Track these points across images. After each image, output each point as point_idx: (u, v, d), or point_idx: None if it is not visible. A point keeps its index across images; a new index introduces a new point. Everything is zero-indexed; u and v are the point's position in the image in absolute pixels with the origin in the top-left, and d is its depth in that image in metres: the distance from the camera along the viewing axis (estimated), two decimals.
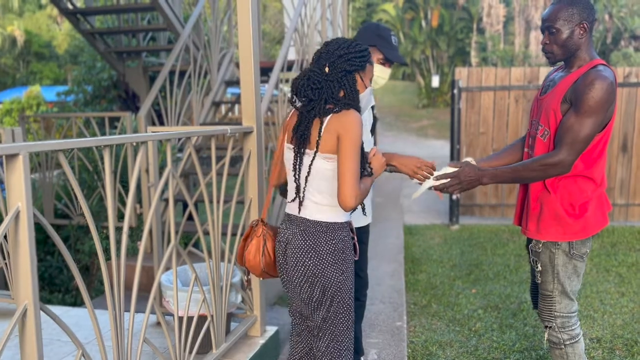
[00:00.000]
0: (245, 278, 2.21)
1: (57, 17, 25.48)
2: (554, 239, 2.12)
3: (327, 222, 1.88)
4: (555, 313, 2.18)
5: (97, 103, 8.40)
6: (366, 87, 1.93)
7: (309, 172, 1.86)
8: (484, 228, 6.03)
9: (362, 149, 1.88)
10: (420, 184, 2.17)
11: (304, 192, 1.89)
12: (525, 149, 2.30)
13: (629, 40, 23.25)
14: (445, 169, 2.17)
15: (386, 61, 2.43)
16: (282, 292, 4.14)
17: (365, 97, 1.97)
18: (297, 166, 1.88)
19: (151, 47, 6.76)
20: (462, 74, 6.33)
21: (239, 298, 2.71)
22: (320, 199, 1.87)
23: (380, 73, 2.45)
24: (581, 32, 2.04)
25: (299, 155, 1.86)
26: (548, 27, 2.07)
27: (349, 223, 1.97)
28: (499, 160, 2.38)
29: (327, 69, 1.85)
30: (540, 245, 2.17)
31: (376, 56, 2.42)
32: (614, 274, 4.41)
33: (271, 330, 2.94)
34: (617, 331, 3.34)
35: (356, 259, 2.03)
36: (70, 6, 5.92)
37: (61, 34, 25.17)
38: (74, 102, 8.81)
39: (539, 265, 2.19)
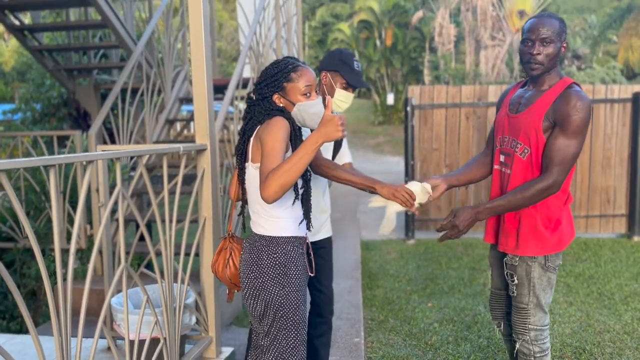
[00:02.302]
0: (227, 292, 2.23)
1: (4, 34, 24.66)
2: (534, 253, 2.16)
3: (271, 237, 1.93)
4: (530, 326, 2.21)
5: (47, 121, 8.13)
6: (294, 104, 1.94)
7: (248, 185, 1.97)
8: (439, 242, 6.14)
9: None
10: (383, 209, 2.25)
11: (248, 205, 2.02)
12: (496, 166, 2.31)
13: (572, 59, 24.41)
14: (411, 184, 2.21)
15: (349, 86, 2.47)
16: (239, 312, 4.08)
17: (309, 112, 1.94)
18: (242, 181, 2.00)
19: (103, 64, 6.63)
20: (414, 92, 6.48)
21: (193, 319, 2.66)
22: (259, 209, 1.94)
23: (343, 97, 2.48)
24: (563, 49, 2.13)
25: (240, 170, 2.00)
26: (543, 38, 2.08)
27: (298, 238, 1.97)
28: (467, 175, 2.39)
29: (254, 96, 2.00)
30: (517, 259, 2.19)
31: (339, 81, 2.47)
32: (562, 284, 4.57)
33: (227, 351, 2.89)
34: (566, 340, 3.45)
35: (311, 274, 2.03)
36: (16, 22, 5.75)
37: (8, 50, 24.34)
38: (21, 121, 8.50)
39: (515, 279, 2.21)
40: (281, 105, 1.93)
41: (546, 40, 2.08)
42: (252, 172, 1.94)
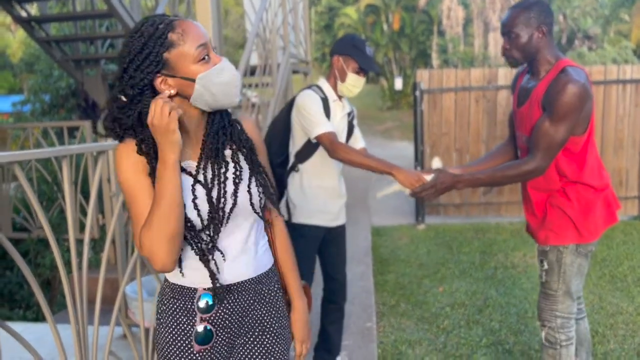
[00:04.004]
0: None
1: (11, 25, 24.73)
2: (566, 242, 2.12)
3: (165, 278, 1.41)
4: (557, 313, 2.17)
5: (56, 112, 8.19)
6: (192, 79, 1.23)
7: None
8: (449, 227, 6.13)
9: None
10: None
11: None
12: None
13: (583, 39, 24.05)
14: (428, 176, 2.21)
15: (360, 70, 2.46)
16: None
17: (217, 82, 1.25)
18: None
19: (110, 54, 6.62)
20: (423, 76, 6.43)
21: None
22: None
23: (354, 82, 2.47)
24: (540, 35, 2.05)
25: None
26: (507, 32, 2.07)
27: (179, 288, 1.33)
28: (487, 164, 2.36)
29: (123, 96, 1.25)
30: (549, 246, 2.17)
31: (351, 65, 2.45)
32: None
33: None
34: None
35: (195, 350, 1.31)
36: (24, 14, 5.75)
37: (15, 42, 24.44)
38: (30, 112, 8.55)
39: (545, 264, 2.18)
40: (173, 91, 1.24)
41: (510, 33, 2.07)
42: None
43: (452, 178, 2.14)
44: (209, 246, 1.28)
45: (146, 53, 1.21)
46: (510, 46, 2.09)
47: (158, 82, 1.24)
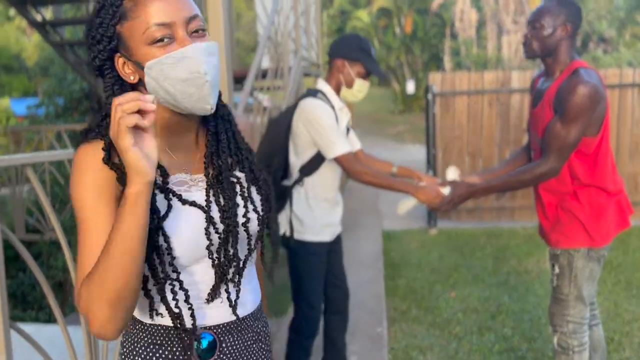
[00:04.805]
0: None
1: (26, 29, 25.06)
2: (577, 245, 2.10)
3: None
4: (568, 318, 2.14)
5: (69, 115, 8.27)
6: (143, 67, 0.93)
7: None
8: (462, 232, 6.08)
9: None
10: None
11: None
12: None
13: (598, 42, 23.82)
14: (446, 189, 2.26)
15: (366, 75, 2.39)
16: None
17: (174, 77, 0.92)
18: None
19: None
20: (435, 79, 6.39)
21: None
22: None
23: (361, 87, 2.40)
24: (563, 33, 2.06)
25: None
26: (533, 21, 2.10)
27: (153, 329, 1.00)
28: (505, 171, 2.35)
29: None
30: (560, 249, 2.15)
31: (357, 70, 2.37)
32: None
33: None
34: None
35: None
36: (39, 18, 5.82)
37: (30, 45, 24.76)
38: (45, 115, 8.66)
39: (556, 268, 2.16)
40: (132, 78, 0.96)
41: (536, 23, 2.08)
42: None
43: (468, 189, 2.19)
44: (221, 283, 1.03)
45: (98, 22, 0.93)
46: (532, 36, 2.11)
47: (119, 63, 0.96)
